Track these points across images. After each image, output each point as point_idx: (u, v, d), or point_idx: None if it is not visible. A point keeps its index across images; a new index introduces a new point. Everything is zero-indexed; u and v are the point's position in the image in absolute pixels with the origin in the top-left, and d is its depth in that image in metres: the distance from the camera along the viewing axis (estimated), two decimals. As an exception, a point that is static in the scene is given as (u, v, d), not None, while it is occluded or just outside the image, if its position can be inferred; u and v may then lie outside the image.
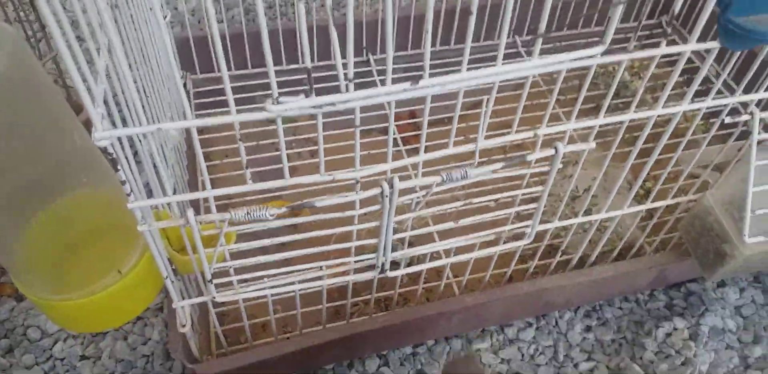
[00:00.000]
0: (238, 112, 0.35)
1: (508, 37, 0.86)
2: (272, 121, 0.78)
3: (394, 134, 0.80)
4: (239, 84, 0.82)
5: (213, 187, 0.39)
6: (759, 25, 0.37)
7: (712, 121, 0.46)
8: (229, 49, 0.81)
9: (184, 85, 0.82)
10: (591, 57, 0.37)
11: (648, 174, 0.49)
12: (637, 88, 0.84)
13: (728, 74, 0.79)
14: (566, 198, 0.51)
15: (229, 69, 0.83)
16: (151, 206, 0.43)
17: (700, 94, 0.73)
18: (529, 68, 0.36)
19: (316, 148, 0.81)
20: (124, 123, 0.39)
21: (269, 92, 0.34)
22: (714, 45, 0.39)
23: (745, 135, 0.49)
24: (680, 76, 0.42)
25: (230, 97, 0.35)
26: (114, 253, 0.47)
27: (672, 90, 0.42)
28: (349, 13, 0.31)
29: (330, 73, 0.80)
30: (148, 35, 0.56)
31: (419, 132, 0.81)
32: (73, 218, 0.45)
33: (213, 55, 0.81)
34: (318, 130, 0.38)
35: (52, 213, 0.43)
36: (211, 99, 0.82)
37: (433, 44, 0.86)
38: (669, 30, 0.39)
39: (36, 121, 0.38)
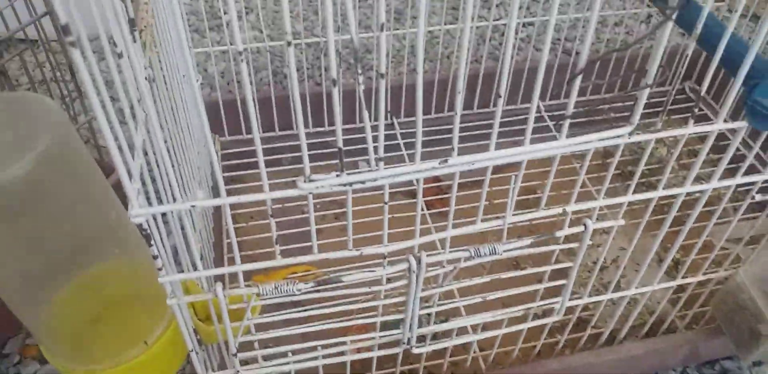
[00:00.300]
0: (268, 176, 0.35)
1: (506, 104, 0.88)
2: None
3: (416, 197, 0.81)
4: (267, 146, 0.83)
5: (238, 249, 0.39)
6: (787, 108, 0.37)
7: (745, 195, 0.46)
8: (257, 111, 0.83)
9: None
10: (619, 137, 0.37)
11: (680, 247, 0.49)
12: (663, 156, 0.84)
13: (762, 148, 0.78)
14: (596, 271, 0.51)
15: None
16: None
17: (733, 167, 0.73)
18: (556, 147, 0.37)
19: (341, 210, 0.82)
20: (158, 195, 0.40)
21: (297, 161, 0.35)
22: (742, 124, 0.40)
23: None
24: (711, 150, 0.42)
25: (263, 173, 0.35)
26: (140, 324, 0.47)
27: (703, 162, 0.42)
28: (380, 102, 0.32)
29: (356, 135, 0.81)
30: (180, 100, 0.58)
31: (444, 196, 0.82)
32: (101, 288, 0.45)
33: (242, 118, 0.83)
34: (347, 206, 0.38)
35: (81, 283, 0.44)
36: (239, 161, 0.83)
37: (427, 112, 0.88)
38: (692, 96, 0.39)
39: (73, 197, 0.39)
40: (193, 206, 0.35)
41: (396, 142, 0.86)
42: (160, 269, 0.38)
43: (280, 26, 0.98)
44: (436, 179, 0.85)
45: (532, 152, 0.37)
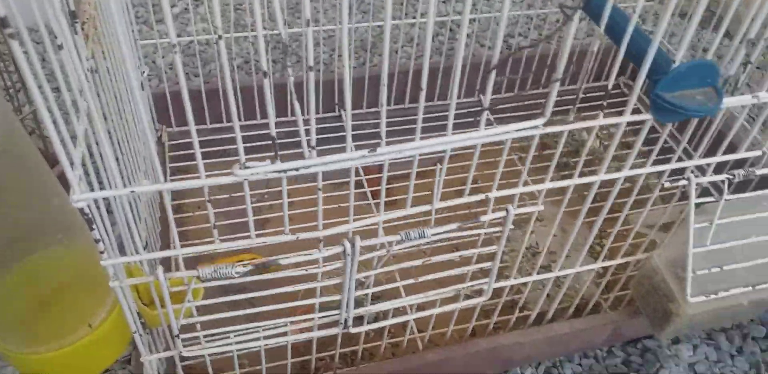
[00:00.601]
0: (212, 167, 0.37)
1: (458, 98, 0.91)
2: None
3: (363, 188, 0.83)
4: (215, 137, 0.84)
5: (184, 239, 0.41)
6: (685, 100, 0.41)
7: (667, 185, 0.50)
8: (205, 103, 0.84)
9: (160, 138, 0.84)
10: (533, 128, 0.40)
11: (605, 232, 0.52)
12: (596, 148, 0.89)
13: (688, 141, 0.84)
14: (522, 254, 0.54)
15: (204, 123, 0.86)
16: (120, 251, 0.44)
17: (661, 159, 0.78)
18: (475, 138, 0.40)
19: (288, 199, 0.83)
20: (101, 184, 0.42)
21: (238, 153, 0.37)
22: (647, 117, 0.43)
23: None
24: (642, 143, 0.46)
25: (200, 162, 0.37)
26: (84, 308, 0.48)
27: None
28: (310, 93, 0.34)
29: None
30: (125, 90, 0.59)
31: (389, 186, 0.85)
32: (46, 273, 0.46)
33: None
34: (283, 191, 0.40)
35: (25, 268, 0.45)
36: (186, 152, 0.84)
37: (388, 104, 0.90)
38: (626, 91, 0.42)
39: (15, 186, 0.40)
40: (132, 191, 0.37)
41: (343, 134, 0.88)
42: (102, 252, 0.39)
43: (230, 18, 0.99)
44: (382, 169, 0.87)
45: (454, 142, 0.40)
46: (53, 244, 0.46)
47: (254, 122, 0.87)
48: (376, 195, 0.83)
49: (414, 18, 1.01)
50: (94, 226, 0.38)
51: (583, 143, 0.87)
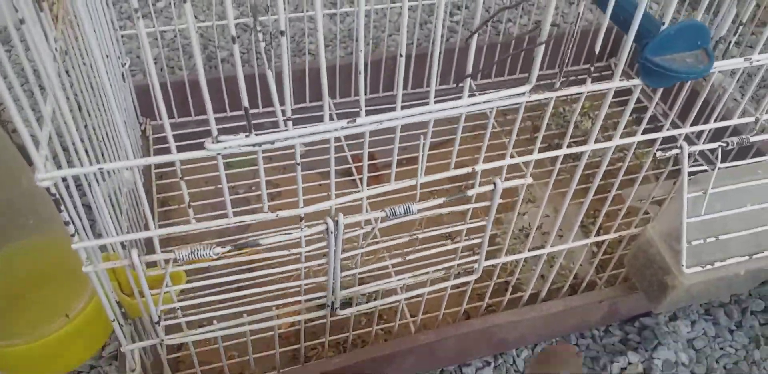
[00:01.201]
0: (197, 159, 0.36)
1: (438, 84, 0.90)
2: (231, 165, 0.79)
3: (352, 175, 0.82)
4: (200, 129, 0.83)
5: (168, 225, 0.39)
6: (674, 63, 0.39)
7: (659, 154, 0.48)
8: (189, 95, 0.83)
9: (144, 131, 0.83)
10: (519, 95, 0.39)
11: (598, 211, 0.51)
12: (587, 128, 0.87)
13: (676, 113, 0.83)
14: (511, 233, 0.53)
15: (189, 115, 0.85)
16: (102, 251, 0.43)
17: (651, 128, 0.76)
18: (460, 106, 0.38)
19: (276, 190, 0.82)
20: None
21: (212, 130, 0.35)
22: (636, 82, 0.42)
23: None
24: (631, 115, 0.44)
25: (170, 136, 0.36)
26: (62, 298, 0.46)
27: (625, 128, 0.45)
28: (284, 57, 0.32)
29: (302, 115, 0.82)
30: (107, 82, 0.57)
31: (378, 173, 0.84)
32: (21, 265, 0.45)
33: (173, 102, 0.83)
34: (259, 166, 0.39)
35: (1, 258, 0.43)
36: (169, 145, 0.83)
37: (376, 91, 0.89)
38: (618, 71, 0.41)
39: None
40: (100, 169, 0.35)
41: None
42: (72, 235, 0.38)
43: (216, 12, 0.97)
44: (372, 157, 0.86)
45: (436, 111, 0.38)
46: (26, 235, 0.44)
47: (239, 113, 0.85)
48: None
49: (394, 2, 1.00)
50: (62, 208, 0.36)
51: (574, 124, 0.86)
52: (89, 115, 0.51)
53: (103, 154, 0.55)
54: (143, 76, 0.97)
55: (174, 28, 0.82)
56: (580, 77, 0.65)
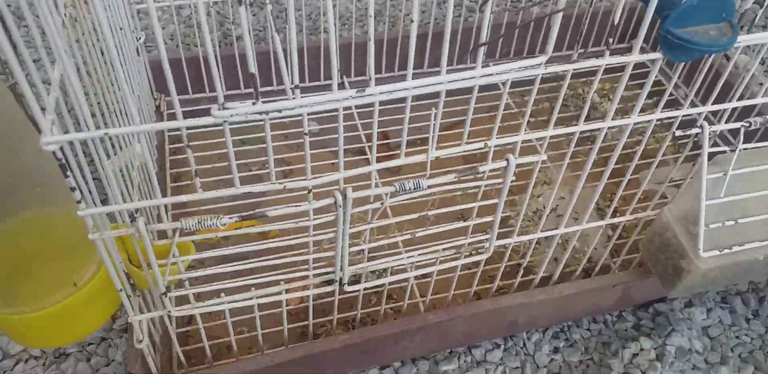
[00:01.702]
0: (207, 135, 0.35)
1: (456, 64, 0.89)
2: (245, 142, 0.78)
3: (366, 155, 0.81)
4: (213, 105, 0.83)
5: (182, 207, 0.39)
6: (697, 35, 0.38)
7: (678, 133, 0.47)
8: (203, 72, 0.82)
9: (158, 107, 0.82)
10: (535, 66, 0.38)
11: (613, 194, 0.50)
12: (606, 110, 0.86)
13: (698, 93, 0.81)
14: (525, 215, 0.52)
15: (203, 91, 0.85)
16: (111, 221, 0.43)
17: (668, 110, 0.75)
18: (473, 77, 0.37)
19: (288, 167, 0.82)
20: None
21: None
22: (657, 56, 0.40)
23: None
24: (651, 97, 0.43)
25: (175, 100, 0.35)
26: (71, 268, 0.46)
27: (644, 111, 0.43)
28: (290, 17, 0.32)
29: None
30: (115, 53, 0.57)
31: (391, 152, 0.83)
32: (29, 235, 0.45)
33: (187, 78, 0.83)
34: (266, 136, 0.38)
35: (7, 229, 0.43)
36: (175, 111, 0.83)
37: (378, 71, 0.88)
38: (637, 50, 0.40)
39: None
40: (106, 133, 0.35)
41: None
42: (79, 202, 0.37)
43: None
44: (385, 136, 0.85)
45: (449, 81, 0.37)
46: (34, 206, 0.44)
47: (250, 90, 0.85)
48: (379, 162, 0.81)
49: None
50: (68, 173, 0.36)
51: (592, 105, 0.84)
52: (99, 83, 0.51)
53: (115, 126, 0.55)
54: (158, 51, 0.97)
55: (190, 3, 0.81)
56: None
